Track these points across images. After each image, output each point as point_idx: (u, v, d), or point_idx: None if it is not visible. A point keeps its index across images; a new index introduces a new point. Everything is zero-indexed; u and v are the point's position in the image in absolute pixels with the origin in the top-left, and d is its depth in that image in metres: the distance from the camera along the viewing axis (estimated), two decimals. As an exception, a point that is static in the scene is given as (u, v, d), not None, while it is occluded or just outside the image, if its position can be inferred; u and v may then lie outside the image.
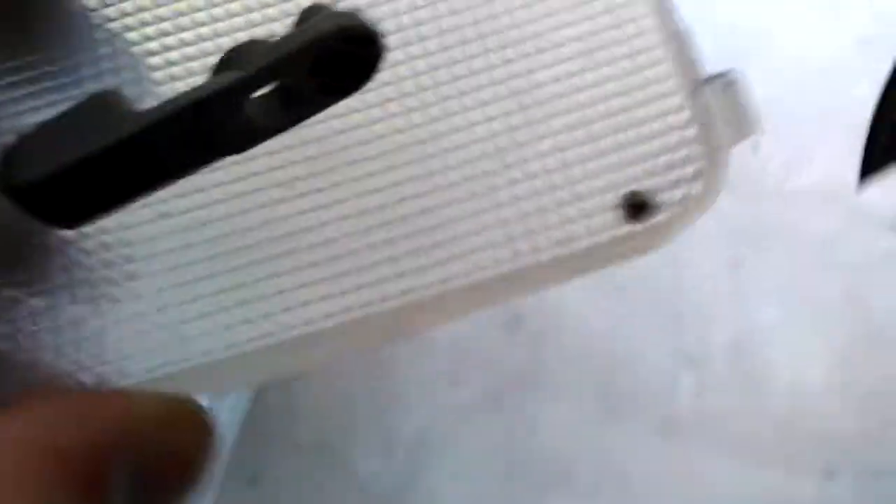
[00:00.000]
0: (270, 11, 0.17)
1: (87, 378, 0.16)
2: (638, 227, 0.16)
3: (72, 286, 0.16)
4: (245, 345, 0.16)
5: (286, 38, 0.14)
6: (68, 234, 0.16)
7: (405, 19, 0.17)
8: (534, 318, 0.48)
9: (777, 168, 0.50)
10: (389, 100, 0.17)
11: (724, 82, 0.17)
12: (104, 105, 0.14)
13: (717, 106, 0.17)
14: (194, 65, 0.17)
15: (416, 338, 0.47)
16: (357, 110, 0.17)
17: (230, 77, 0.14)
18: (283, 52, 0.14)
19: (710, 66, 0.17)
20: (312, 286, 0.16)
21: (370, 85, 0.15)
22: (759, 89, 0.18)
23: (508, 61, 0.17)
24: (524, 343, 0.48)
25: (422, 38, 0.17)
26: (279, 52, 0.14)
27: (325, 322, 0.16)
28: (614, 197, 0.16)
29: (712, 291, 0.48)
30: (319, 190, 0.17)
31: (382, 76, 0.15)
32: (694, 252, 0.49)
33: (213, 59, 0.15)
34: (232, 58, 0.14)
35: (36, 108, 0.17)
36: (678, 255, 0.49)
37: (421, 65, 0.17)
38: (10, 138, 0.14)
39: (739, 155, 0.17)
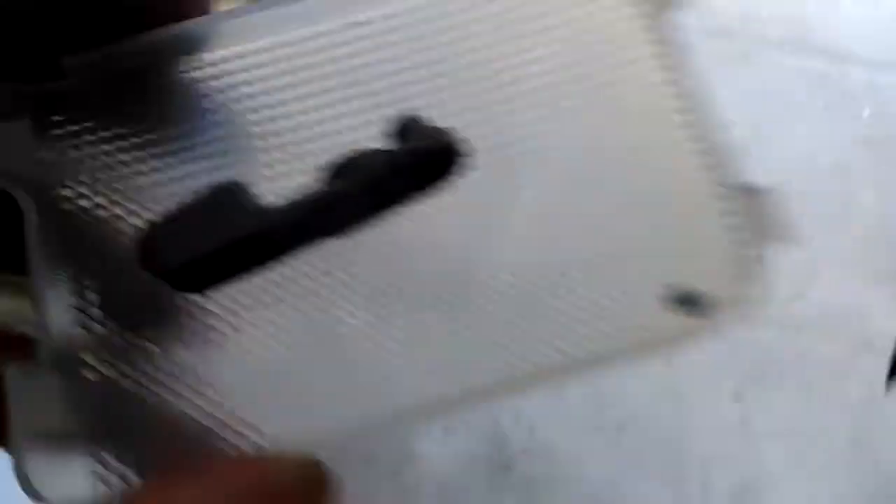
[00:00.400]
0: (369, 118, 0.19)
1: (224, 439, 0.17)
2: (683, 319, 0.18)
3: (203, 344, 0.18)
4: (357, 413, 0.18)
5: (395, 154, 0.17)
6: (196, 297, 0.18)
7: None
8: (525, 463, 0.44)
9: (783, 288, 0.47)
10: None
11: (761, 190, 0.18)
12: (230, 196, 0.17)
13: (754, 211, 0.18)
14: (298, 164, 0.19)
15: (401, 484, 0.43)
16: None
17: (345, 185, 0.17)
18: (392, 167, 0.17)
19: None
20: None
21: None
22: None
23: (570, 174, 0.19)
24: (514, 490, 0.44)
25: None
26: (389, 167, 0.17)
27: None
28: (660, 289, 0.18)
29: (715, 428, 0.45)
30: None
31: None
32: (696, 384, 0.45)
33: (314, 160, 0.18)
34: (344, 165, 0.17)
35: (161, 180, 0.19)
36: (680, 388, 0.45)
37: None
38: (140, 219, 0.18)
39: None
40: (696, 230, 0.19)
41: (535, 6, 0.20)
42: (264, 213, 0.17)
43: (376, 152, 0.17)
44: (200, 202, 0.17)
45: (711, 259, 0.19)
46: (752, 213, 0.19)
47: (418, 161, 0.17)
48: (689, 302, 0.18)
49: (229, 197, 0.17)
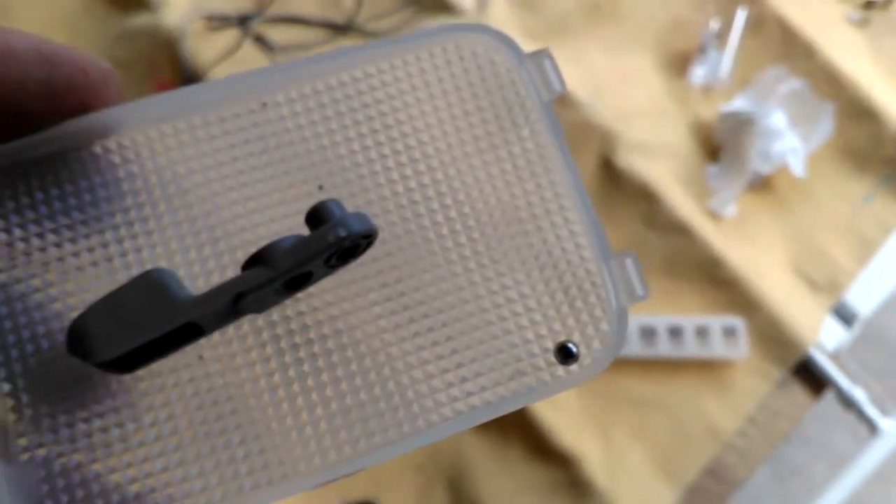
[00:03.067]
0: (282, 210, 0.21)
1: None
2: (569, 368, 0.21)
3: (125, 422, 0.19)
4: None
5: (310, 241, 0.18)
6: (125, 376, 0.19)
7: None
8: None
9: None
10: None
11: (626, 256, 0.22)
12: (156, 285, 0.18)
13: (621, 275, 0.21)
14: (217, 245, 0.20)
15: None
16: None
17: (265, 273, 0.18)
18: (309, 253, 0.18)
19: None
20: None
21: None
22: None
23: (465, 242, 0.21)
24: None
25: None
26: (304, 255, 0.18)
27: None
28: (550, 343, 0.21)
29: None
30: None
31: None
32: None
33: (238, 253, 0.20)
34: (261, 255, 0.18)
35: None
36: None
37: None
38: (61, 301, 0.19)
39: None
40: (576, 292, 0.21)
41: (428, 86, 0.22)
42: (191, 303, 0.18)
43: (292, 240, 0.18)
44: (129, 291, 0.18)
45: (589, 316, 0.21)
46: (617, 276, 0.21)
47: (331, 247, 0.18)
48: (568, 355, 0.21)
49: (153, 287, 0.18)
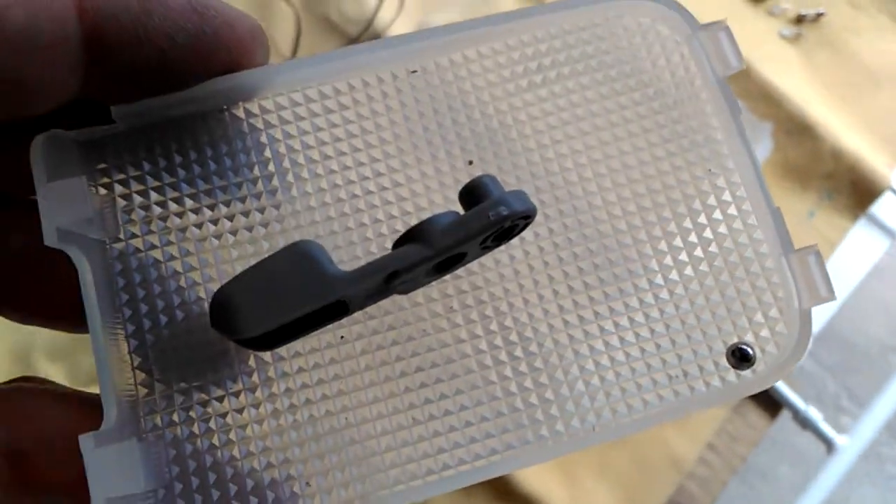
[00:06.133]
0: (430, 184, 0.19)
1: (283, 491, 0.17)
2: (741, 374, 0.19)
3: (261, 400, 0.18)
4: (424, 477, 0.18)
5: (468, 220, 0.17)
6: (264, 354, 0.18)
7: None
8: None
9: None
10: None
11: (810, 252, 0.19)
12: (306, 258, 0.16)
13: (803, 273, 0.19)
14: (371, 225, 0.19)
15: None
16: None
17: (420, 252, 0.17)
18: (469, 233, 0.17)
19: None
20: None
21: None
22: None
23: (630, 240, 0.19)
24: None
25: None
26: (464, 234, 0.17)
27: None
28: (722, 346, 0.19)
29: None
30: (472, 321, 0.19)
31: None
32: None
33: (385, 226, 0.19)
34: (416, 232, 0.17)
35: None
36: None
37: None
38: (196, 269, 0.18)
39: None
40: (750, 290, 0.19)
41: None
42: (344, 279, 0.16)
43: (448, 217, 0.17)
44: (275, 265, 0.16)
45: (764, 318, 0.19)
46: (798, 273, 0.19)
47: (492, 227, 0.17)
48: (744, 359, 0.19)
49: (303, 260, 0.16)
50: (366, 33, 0.68)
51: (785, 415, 0.61)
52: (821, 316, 0.63)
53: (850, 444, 0.59)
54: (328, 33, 0.69)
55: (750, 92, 0.67)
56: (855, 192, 0.65)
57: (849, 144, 0.65)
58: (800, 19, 0.70)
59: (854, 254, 0.64)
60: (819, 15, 0.69)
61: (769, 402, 0.61)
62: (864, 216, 0.64)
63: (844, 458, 0.59)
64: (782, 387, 0.61)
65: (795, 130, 0.67)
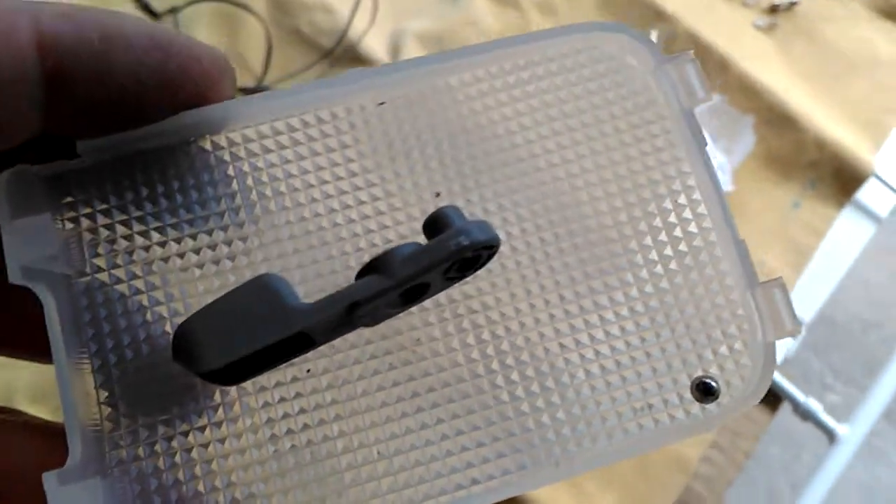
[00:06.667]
0: (398, 216, 0.19)
1: None
2: (705, 407, 0.19)
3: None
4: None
5: (430, 249, 0.17)
6: (229, 389, 0.18)
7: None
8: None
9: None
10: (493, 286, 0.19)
11: (775, 286, 0.19)
12: (268, 291, 0.16)
13: (768, 306, 0.19)
14: (338, 258, 0.19)
15: None
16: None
17: (381, 283, 0.16)
18: (430, 262, 0.16)
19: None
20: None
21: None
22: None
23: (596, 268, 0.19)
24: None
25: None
26: (425, 263, 0.16)
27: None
28: (686, 378, 0.19)
29: None
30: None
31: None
32: None
33: (350, 259, 0.19)
34: (377, 263, 0.17)
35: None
36: None
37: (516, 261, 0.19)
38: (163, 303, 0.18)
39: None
40: (715, 322, 0.19)
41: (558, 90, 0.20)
42: (305, 311, 0.16)
43: (409, 248, 0.17)
44: (237, 298, 0.16)
45: (728, 350, 0.19)
46: (763, 307, 0.19)
47: (453, 256, 0.17)
48: (708, 392, 0.19)
49: (265, 293, 0.16)
50: (340, 45, 0.66)
51: (785, 407, 0.61)
52: (813, 304, 0.63)
53: (850, 434, 0.59)
54: (300, 46, 0.67)
55: (729, 84, 0.67)
56: (838, 179, 0.65)
57: (831, 133, 0.65)
58: (773, 9, 0.70)
59: (841, 241, 0.64)
60: (792, 4, 0.69)
61: (769, 395, 0.61)
62: (849, 203, 0.64)
63: (846, 449, 0.59)
64: (781, 379, 0.61)
65: (777, 121, 0.67)
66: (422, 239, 0.17)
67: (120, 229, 0.18)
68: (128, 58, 0.16)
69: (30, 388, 0.55)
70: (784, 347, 0.62)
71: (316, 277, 0.19)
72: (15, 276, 0.17)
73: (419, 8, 0.68)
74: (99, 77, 0.16)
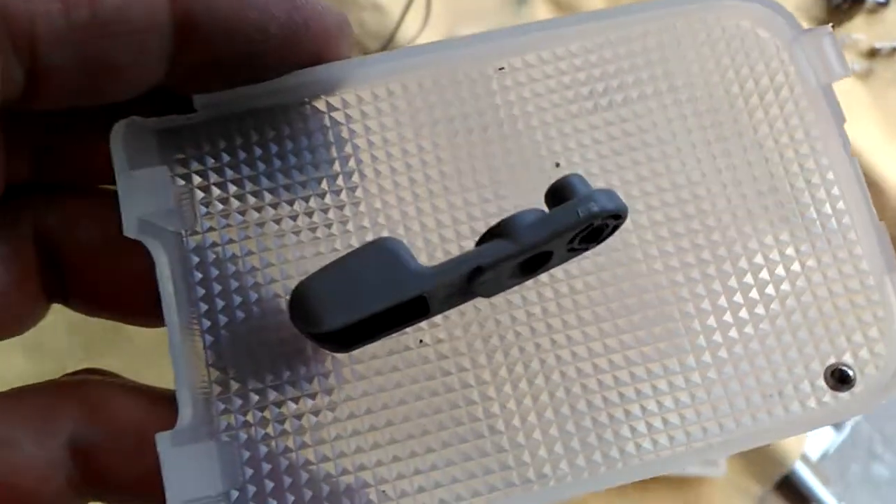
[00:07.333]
0: (514, 187, 0.19)
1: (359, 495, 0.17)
2: (839, 395, 0.18)
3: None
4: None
5: (556, 216, 0.16)
6: (341, 355, 0.17)
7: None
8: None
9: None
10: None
11: None
12: (387, 254, 0.16)
13: None
14: (452, 226, 0.18)
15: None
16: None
17: (505, 248, 0.16)
18: (556, 229, 0.16)
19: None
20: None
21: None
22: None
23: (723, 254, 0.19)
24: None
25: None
26: (551, 230, 0.16)
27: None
28: (819, 366, 0.18)
29: None
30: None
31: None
32: None
33: (466, 227, 0.18)
34: (501, 228, 0.16)
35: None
36: None
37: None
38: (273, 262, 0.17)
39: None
40: (849, 308, 0.18)
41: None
42: (421, 275, 0.16)
43: (534, 214, 0.16)
44: (356, 260, 0.16)
45: (862, 338, 0.18)
46: None
47: (580, 224, 0.16)
48: (844, 380, 0.18)
49: (384, 256, 0.16)
50: (386, 49, 0.65)
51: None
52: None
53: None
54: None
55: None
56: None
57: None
58: (873, 53, 0.63)
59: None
60: (895, 49, 0.64)
61: (797, 496, 0.56)
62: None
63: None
64: (811, 479, 0.54)
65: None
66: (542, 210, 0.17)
67: (232, 188, 0.18)
68: (260, 10, 0.16)
69: (22, 378, 0.54)
70: (825, 443, 0.57)
71: (428, 245, 0.18)
72: (130, 230, 0.17)
73: (478, 10, 0.66)
74: (228, 27, 0.16)
